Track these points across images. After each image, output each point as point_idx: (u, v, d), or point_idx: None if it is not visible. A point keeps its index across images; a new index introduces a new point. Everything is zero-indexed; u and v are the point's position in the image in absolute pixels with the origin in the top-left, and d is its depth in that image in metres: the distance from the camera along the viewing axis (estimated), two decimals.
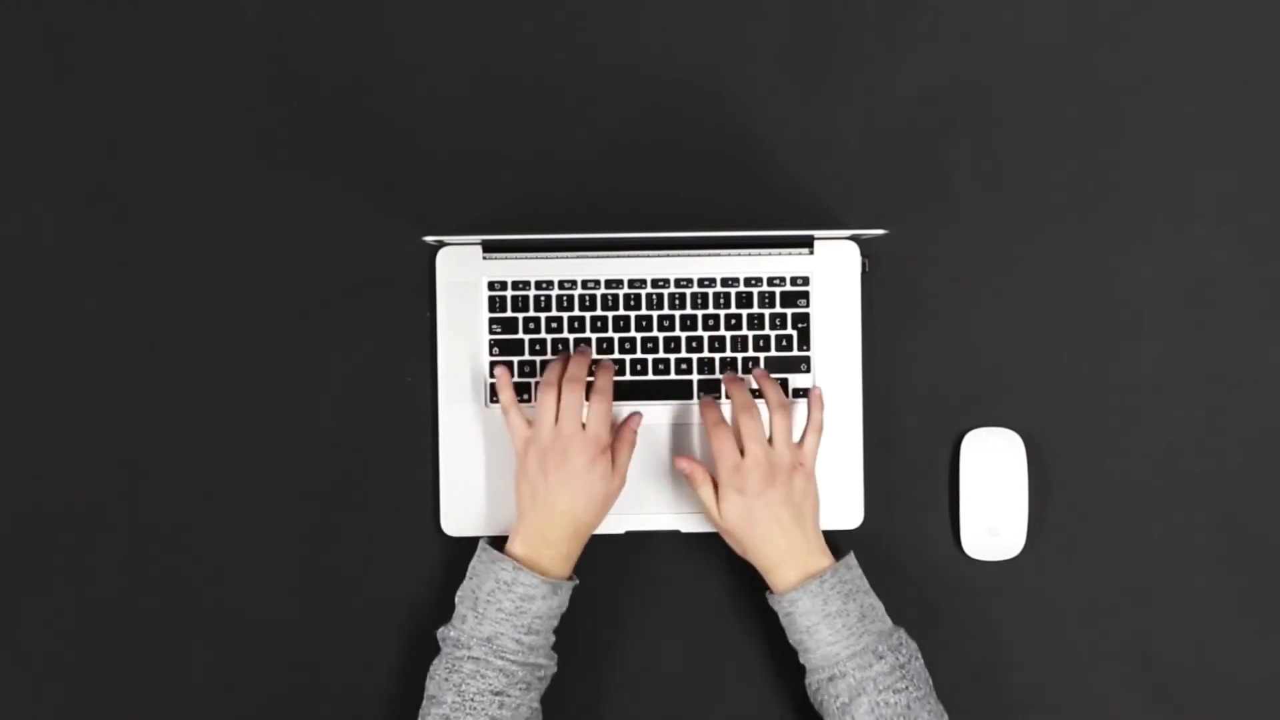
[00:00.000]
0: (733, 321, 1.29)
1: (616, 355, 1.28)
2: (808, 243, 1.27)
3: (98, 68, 1.30)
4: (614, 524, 1.27)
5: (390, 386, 1.30)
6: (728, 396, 1.25)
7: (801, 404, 1.27)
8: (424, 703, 1.18)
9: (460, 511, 1.29)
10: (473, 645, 1.17)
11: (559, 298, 1.29)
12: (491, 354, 1.29)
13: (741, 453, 1.21)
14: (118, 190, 1.30)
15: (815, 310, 1.29)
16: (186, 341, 1.30)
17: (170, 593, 1.29)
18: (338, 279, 1.30)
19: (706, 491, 1.22)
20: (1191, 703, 1.30)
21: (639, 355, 1.29)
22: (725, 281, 1.29)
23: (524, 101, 1.31)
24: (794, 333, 1.29)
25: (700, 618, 1.30)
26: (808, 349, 1.29)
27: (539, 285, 1.29)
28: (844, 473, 1.29)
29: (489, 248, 1.28)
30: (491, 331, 1.29)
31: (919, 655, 1.20)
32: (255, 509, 1.30)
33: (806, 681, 1.21)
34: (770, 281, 1.29)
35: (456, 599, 1.20)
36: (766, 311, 1.29)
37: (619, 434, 1.23)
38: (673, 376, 1.29)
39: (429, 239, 1.24)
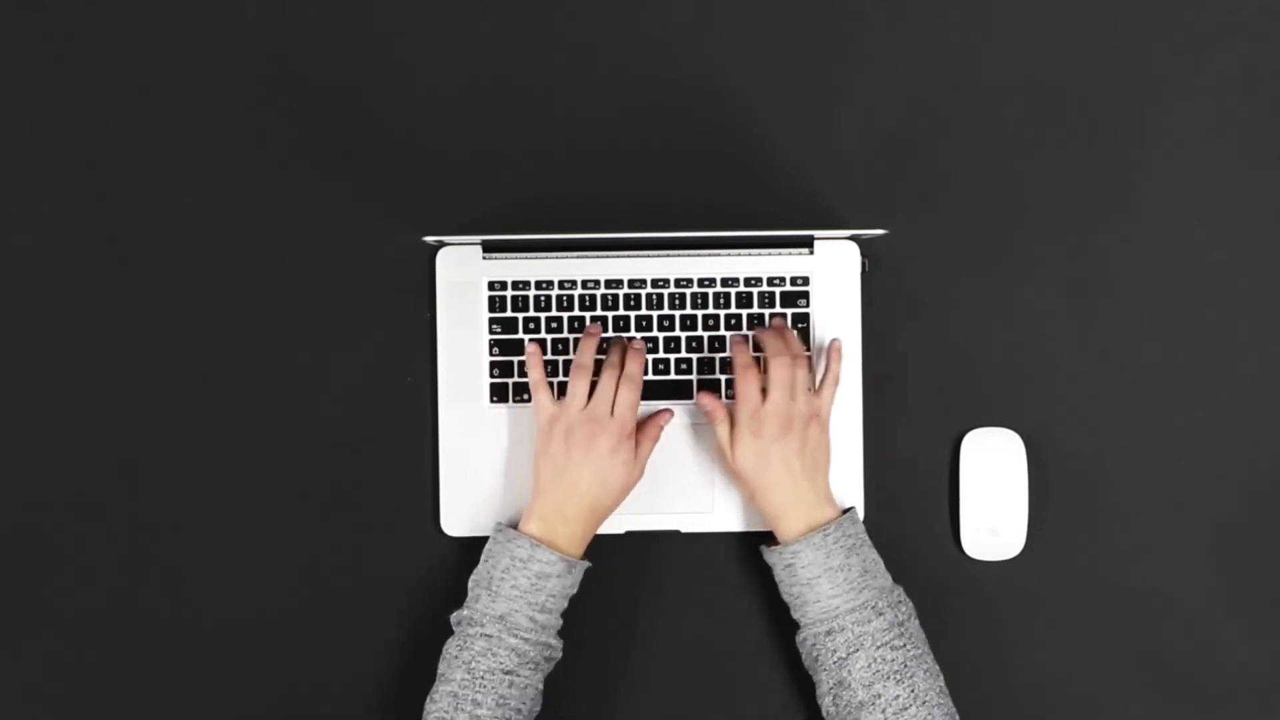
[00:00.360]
0: (733, 321, 1.29)
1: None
2: (808, 243, 1.27)
3: (98, 68, 1.30)
4: (614, 524, 1.27)
5: (390, 386, 1.30)
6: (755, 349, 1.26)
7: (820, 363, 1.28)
8: (434, 684, 1.18)
9: (460, 511, 1.29)
10: (485, 623, 1.17)
11: (559, 298, 1.29)
12: (491, 354, 1.29)
13: (764, 398, 1.21)
14: (118, 190, 1.30)
15: (815, 310, 1.29)
16: (186, 341, 1.30)
17: (170, 592, 1.29)
18: (338, 279, 1.30)
19: (724, 430, 1.23)
20: (1191, 702, 1.30)
21: None
22: (725, 281, 1.29)
23: (524, 102, 1.31)
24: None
25: (700, 618, 1.30)
26: (808, 349, 1.29)
27: (539, 285, 1.29)
28: (844, 473, 1.29)
29: (489, 248, 1.28)
30: (491, 331, 1.29)
31: (915, 615, 1.20)
32: (255, 509, 1.30)
33: (801, 637, 1.20)
34: (770, 281, 1.29)
35: (470, 583, 1.20)
36: (766, 311, 1.29)
37: (645, 426, 1.24)
38: (673, 376, 1.29)
39: (429, 239, 1.24)
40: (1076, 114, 1.31)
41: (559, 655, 1.20)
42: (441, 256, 1.29)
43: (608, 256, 1.29)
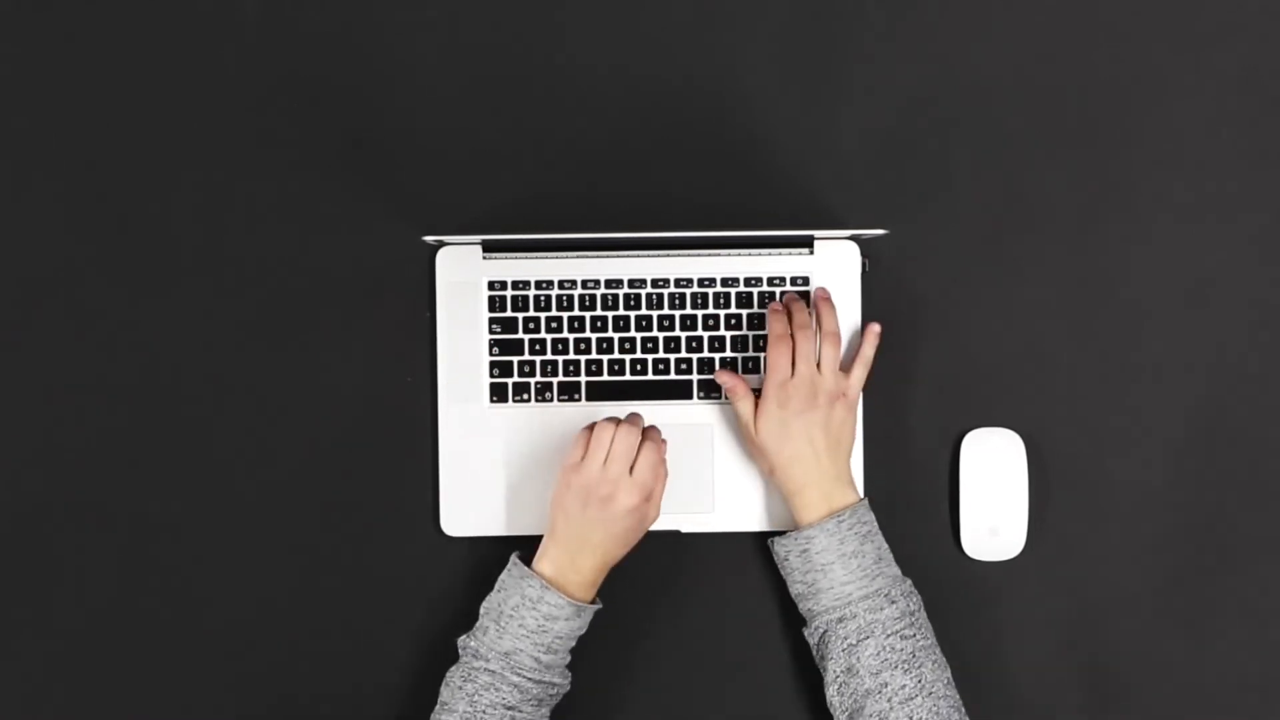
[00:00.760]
0: (733, 321, 1.29)
1: (616, 355, 1.29)
2: (808, 243, 1.27)
3: (98, 68, 1.30)
4: None
5: (390, 386, 1.30)
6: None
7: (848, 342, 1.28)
8: (436, 708, 1.18)
9: (460, 511, 1.29)
10: (491, 658, 1.17)
11: (559, 298, 1.29)
12: (491, 354, 1.29)
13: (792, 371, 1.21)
14: (118, 190, 1.30)
15: (815, 310, 1.29)
16: (186, 341, 1.30)
17: (170, 592, 1.29)
18: (338, 279, 1.30)
19: (746, 405, 1.23)
20: (1191, 702, 1.30)
21: (639, 355, 1.29)
22: (725, 281, 1.29)
23: (524, 102, 1.31)
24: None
25: (701, 618, 1.30)
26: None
27: (539, 285, 1.29)
28: None
29: (489, 248, 1.28)
30: (491, 331, 1.29)
31: (924, 608, 1.20)
32: (255, 509, 1.30)
33: (811, 628, 1.20)
34: (770, 281, 1.29)
35: (482, 610, 1.20)
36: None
37: (657, 475, 1.21)
38: (673, 376, 1.29)
39: (429, 239, 1.24)
40: (1076, 114, 1.31)
41: (566, 688, 1.20)
42: (441, 256, 1.29)
43: (608, 256, 1.29)
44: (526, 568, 1.19)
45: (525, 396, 1.28)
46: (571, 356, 1.28)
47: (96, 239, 1.30)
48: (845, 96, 1.31)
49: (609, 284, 1.29)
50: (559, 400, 1.29)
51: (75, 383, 1.30)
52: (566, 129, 1.31)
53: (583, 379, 1.29)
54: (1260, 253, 1.31)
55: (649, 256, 1.29)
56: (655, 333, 1.29)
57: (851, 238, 1.28)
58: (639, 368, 1.29)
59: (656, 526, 1.28)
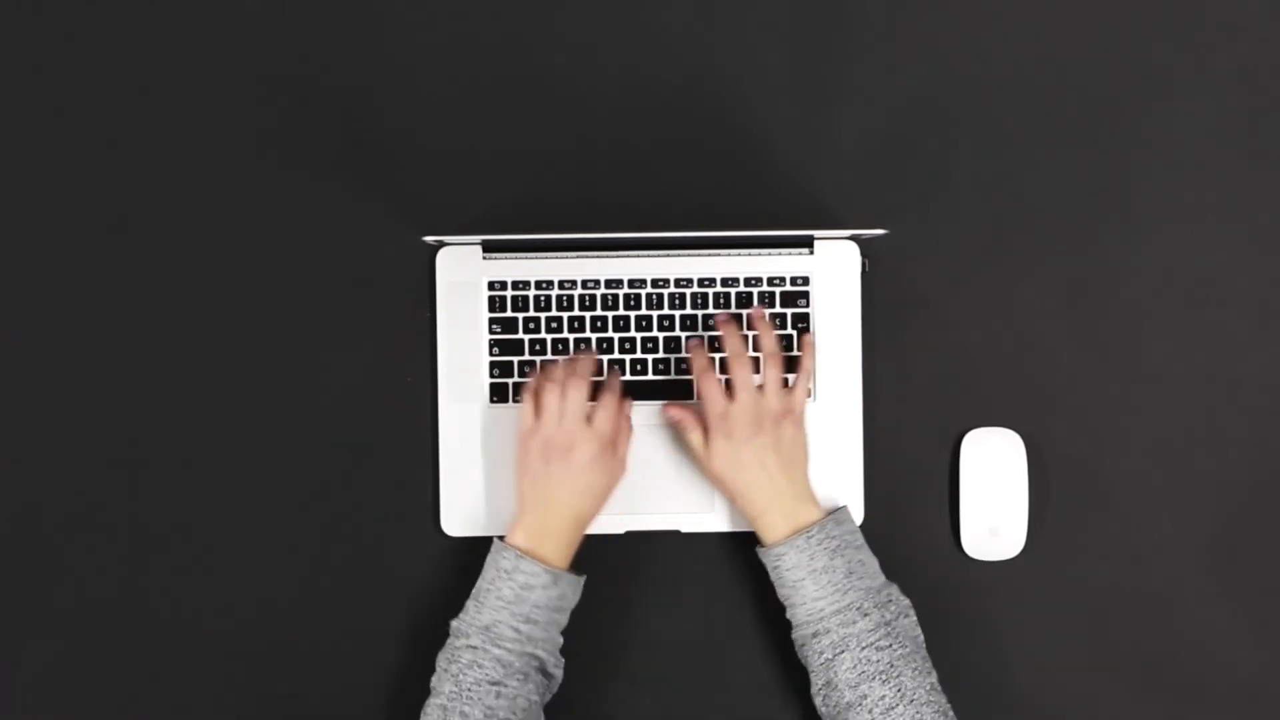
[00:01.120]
0: None
1: (616, 355, 1.29)
2: (808, 243, 1.27)
3: (98, 68, 1.30)
4: (614, 524, 1.27)
5: (390, 386, 1.30)
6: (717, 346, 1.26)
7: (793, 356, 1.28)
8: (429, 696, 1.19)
9: (460, 511, 1.29)
10: (471, 634, 1.17)
11: (559, 298, 1.29)
12: (491, 354, 1.29)
13: (731, 399, 1.21)
14: (118, 190, 1.30)
15: (815, 310, 1.29)
16: (186, 341, 1.30)
17: (170, 592, 1.29)
18: (338, 279, 1.30)
19: (696, 437, 1.23)
20: (1191, 701, 1.30)
21: (639, 355, 1.29)
22: (725, 281, 1.29)
23: (524, 102, 1.31)
24: (794, 333, 1.29)
25: (700, 618, 1.30)
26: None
27: (539, 285, 1.29)
28: (844, 473, 1.29)
29: (489, 248, 1.28)
30: (491, 331, 1.29)
31: (910, 613, 1.20)
32: (255, 509, 1.30)
33: (792, 635, 1.21)
34: (770, 281, 1.29)
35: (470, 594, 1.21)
36: (766, 311, 1.28)
37: (617, 424, 1.23)
38: (673, 376, 1.29)
39: (429, 239, 1.24)
40: (1076, 114, 1.31)
41: (557, 673, 1.20)
42: (441, 256, 1.29)
43: (608, 256, 1.29)
44: (500, 542, 1.20)
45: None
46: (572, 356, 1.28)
47: (96, 239, 1.30)
48: (845, 96, 1.31)
49: (609, 284, 1.29)
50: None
51: (75, 383, 1.30)
52: (566, 129, 1.31)
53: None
54: (1260, 253, 1.31)
55: (649, 256, 1.29)
56: (655, 333, 1.29)
57: (851, 238, 1.28)
58: (639, 368, 1.29)
59: (656, 526, 1.28)
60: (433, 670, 1.20)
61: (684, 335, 1.28)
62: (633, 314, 1.29)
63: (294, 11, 1.31)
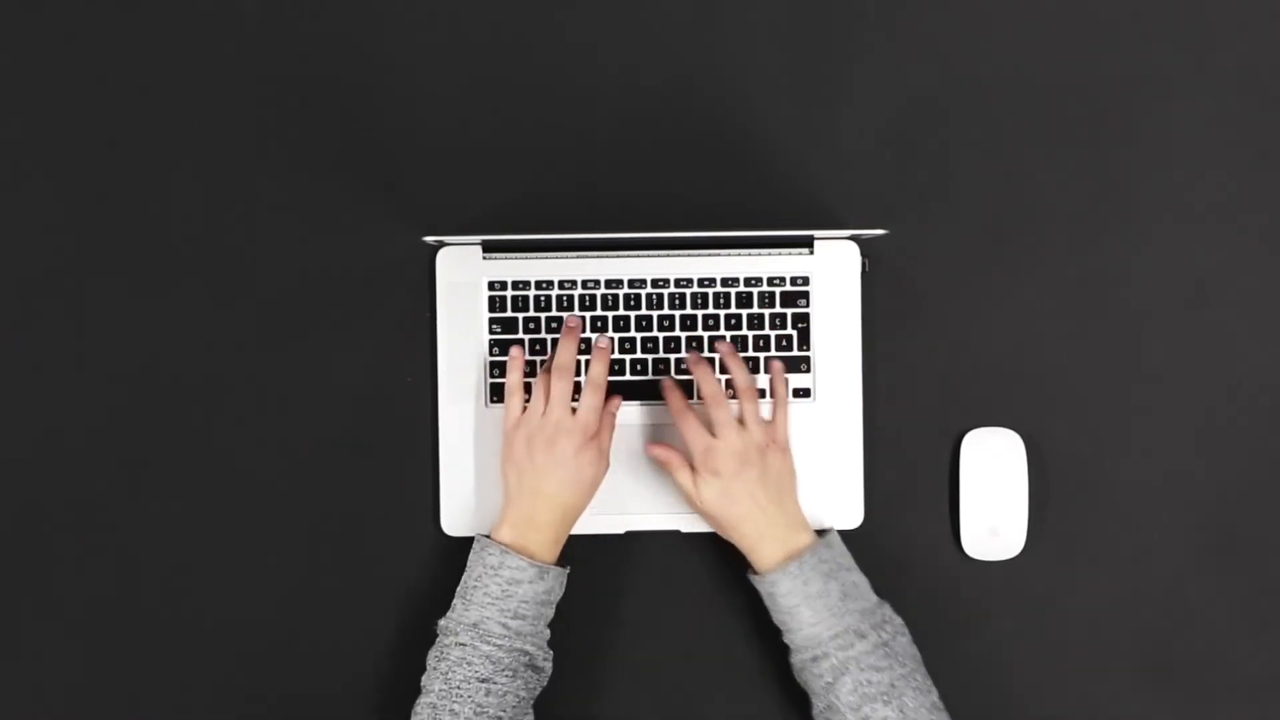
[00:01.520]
0: (733, 321, 1.29)
1: (616, 355, 1.28)
2: (808, 243, 1.27)
3: (98, 68, 1.30)
4: (614, 524, 1.28)
5: (390, 386, 1.30)
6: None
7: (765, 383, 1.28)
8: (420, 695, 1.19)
9: (460, 511, 1.29)
10: (459, 631, 1.17)
11: (559, 298, 1.29)
12: (491, 354, 1.29)
13: (714, 435, 1.21)
14: (118, 190, 1.30)
15: (815, 310, 1.29)
16: (187, 341, 1.30)
17: (169, 592, 1.29)
18: (338, 279, 1.30)
19: (684, 476, 1.23)
20: (1191, 701, 1.30)
21: (639, 355, 1.29)
22: (725, 281, 1.29)
23: (524, 102, 1.31)
24: (794, 333, 1.29)
25: (700, 617, 1.30)
26: (808, 349, 1.29)
27: (539, 285, 1.29)
28: (844, 473, 1.29)
29: (489, 248, 1.28)
30: (491, 331, 1.29)
31: (905, 631, 1.20)
32: (255, 509, 1.30)
33: (790, 660, 1.21)
34: (770, 281, 1.29)
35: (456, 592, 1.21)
36: (766, 311, 1.29)
37: (600, 418, 1.23)
38: (672, 376, 1.29)
39: (429, 239, 1.24)
40: (1076, 114, 1.31)
41: (546, 666, 1.20)
42: (441, 256, 1.29)
43: (608, 256, 1.29)
44: (485, 539, 1.20)
45: (525, 397, 1.28)
46: None
47: (96, 239, 1.30)
48: (845, 96, 1.31)
49: (609, 284, 1.29)
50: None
51: (75, 382, 1.30)
52: (566, 129, 1.31)
53: (583, 379, 1.29)
54: (1260, 253, 1.31)
55: (649, 256, 1.29)
56: (655, 333, 1.29)
57: (851, 238, 1.29)
58: (639, 368, 1.29)
59: (656, 526, 1.28)
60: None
61: (671, 358, 1.28)
62: (633, 314, 1.29)
63: (294, 11, 1.31)
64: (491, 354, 1.29)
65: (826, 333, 1.29)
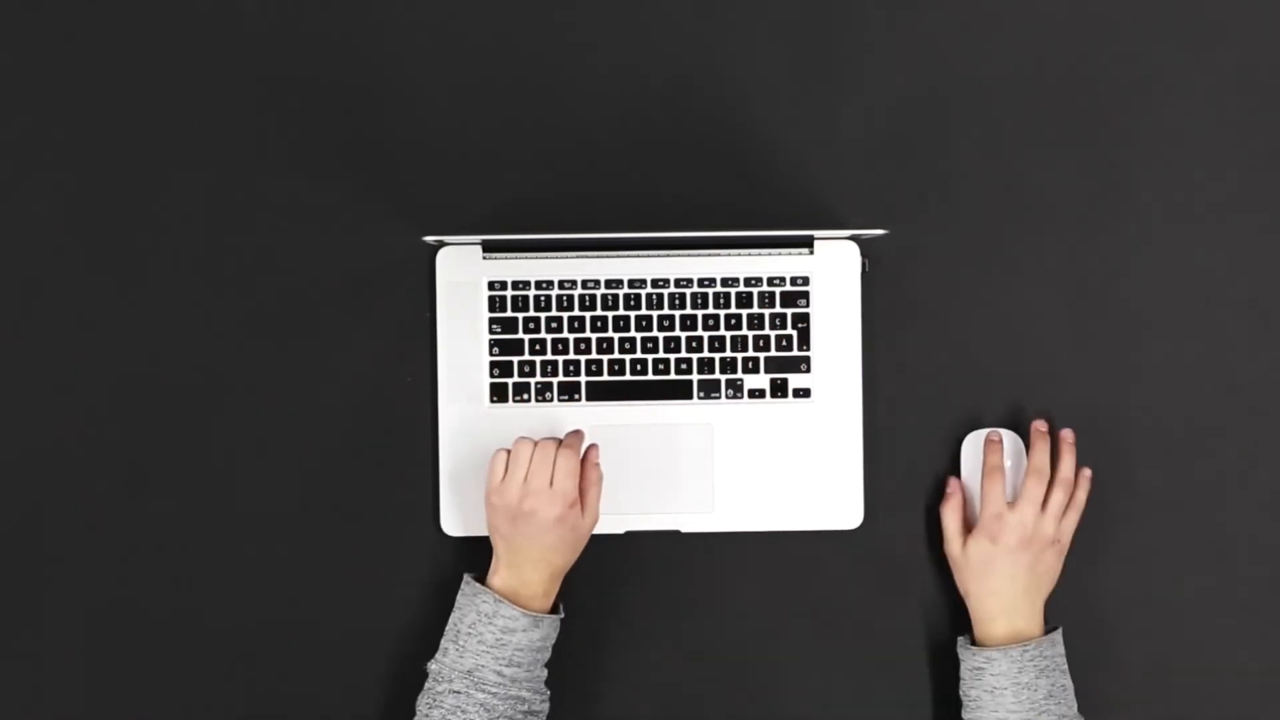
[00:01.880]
0: (733, 321, 1.29)
1: (616, 355, 1.29)
2: (808, 243, 1.27)
3: (98, 68, 1.30)
4: (614, 524, 1.27)
5: (390, 386, 1.30)
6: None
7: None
8: None
9: (460, 511, 1.29)
10: (454, 679, 1.17)
11: (559, 298, 1.29)
12: (491, 354, 1.29)
13: (1011, 507, 1.22)
14: (118, 190, 1.30)
15: (815, 310, 1.29)
16: (186, 341, 1.30)
17: (169, 592, 1.29)
18: (338, 279, 1.30)
19: (953, 520, 1.25)
20: (1192, 702, 1.30)
21: (639, 355, 1.29)
22: (725, 281, 1.29)
23: (524, 102, 1.31)
24: (794, 333, 1.29)
25: (700, 618, 1.30)
26: (808, 349, 1.29)
27: (539, 285, 1.29)
28: (844, 473, 1.29)
29: (489, 248, 1.28)
30: (491, 331, 1.29)
31: None
32: (255, 509, 1.30)
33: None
34: (770, 281, 1.29)
35: (444, 632, 1.20)
36: (766, 311, 1.29)
37: (585, 476, 1.21)
38: (673, 376, 1.29)
39: (429, 239, 1.24)
40: (1076, 114, 1.31)
41: (543, 708, 1.20)
42: (441, 256, 1.29)
43: (608, 256, 1.29)
44: (479, 584, 1.19)
45: (525, 396, 1.28)
46: (571, 356, 1.28)
47: (97, 239, 1.30)
48: (845, 97, 1.31)
49: (609, 284, 1.29)
50: (559, 400, 1.29)
51: (74, 382, 1.30)
52: (566, 129, 1.31)
53: (583, 379, 1.29)
54: (1260, 253, 1.31)
55: (649, 256, 1.29)
56: (655, 333, 1.29)
57: (851, 238, 1.28)
58: (639, 368, 1.29)
59: (656, 526, 1.28)
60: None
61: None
62: (633, 314, 1.29)
63: (294, 11, 1.31)
64: (491, 354, 1.29)
65: (826, 333, 1.29)
